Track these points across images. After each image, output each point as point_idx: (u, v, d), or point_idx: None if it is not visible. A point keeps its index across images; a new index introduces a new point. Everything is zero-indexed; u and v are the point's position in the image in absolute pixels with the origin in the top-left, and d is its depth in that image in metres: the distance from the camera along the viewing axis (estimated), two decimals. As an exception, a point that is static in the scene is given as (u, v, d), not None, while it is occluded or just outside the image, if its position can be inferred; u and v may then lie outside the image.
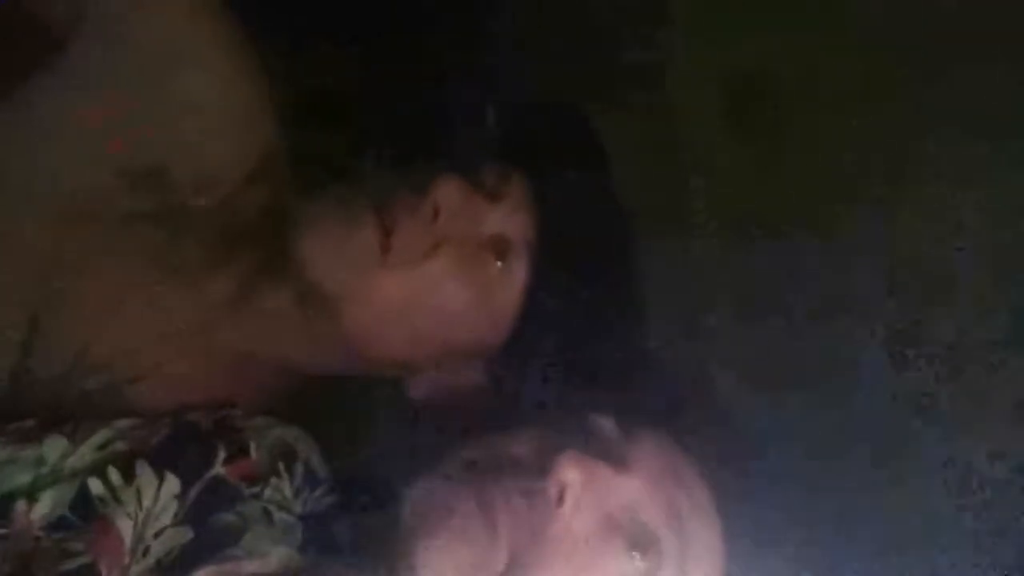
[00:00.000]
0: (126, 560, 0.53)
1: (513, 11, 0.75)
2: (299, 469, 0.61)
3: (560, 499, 0.49)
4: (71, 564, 0.52)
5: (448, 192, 0.64)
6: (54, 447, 0.58)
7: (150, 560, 0.54)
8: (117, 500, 0.55)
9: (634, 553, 0.49)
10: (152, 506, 0.55)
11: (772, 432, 0.62)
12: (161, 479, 0.56)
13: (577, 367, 0.65)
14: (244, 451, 0.60)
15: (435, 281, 0.64)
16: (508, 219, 0.66)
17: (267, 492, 0.59)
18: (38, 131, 0.66)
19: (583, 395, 0.61)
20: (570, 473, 0.49)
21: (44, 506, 0.55)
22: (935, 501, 0.66)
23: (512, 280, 0.66)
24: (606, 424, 0.54)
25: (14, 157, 0.66)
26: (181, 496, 0.56)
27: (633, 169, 0.71)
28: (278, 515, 0.58)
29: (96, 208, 0.65)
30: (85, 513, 0.55)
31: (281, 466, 0.60)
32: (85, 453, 0.58)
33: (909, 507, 0.66)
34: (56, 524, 0.54)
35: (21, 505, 0.55)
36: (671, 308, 0.69)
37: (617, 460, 0.51)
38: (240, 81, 0.67)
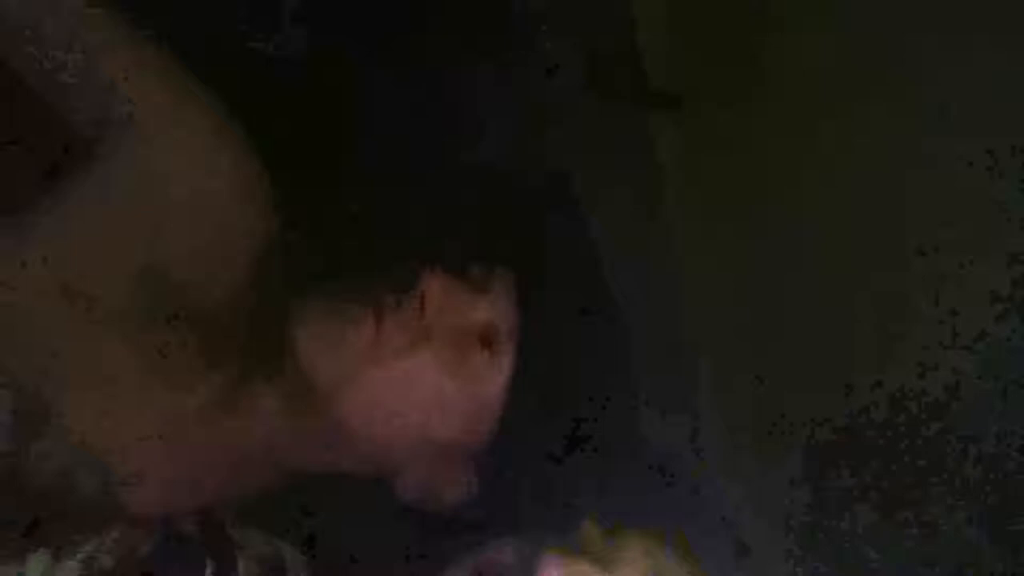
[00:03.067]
0: None
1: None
2: None
3: None
4: None
5: (434, 286, 0.66)
6: (36, 567, 0.57)
7: None
8: None
9: None
10: None
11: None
12: None
13: (563, 462, 0.65)
14: (232, 566, 0.59)
15: (421, 372, 0.65)
16: (493, 310, 0.67)
17: None
18: (47, 235, 0.66)
19: (567, 493, 0.60)
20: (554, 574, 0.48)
21: None
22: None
23: (497, 370, 0.66)
24: (588, 525, 0.54)
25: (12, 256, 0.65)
26: None
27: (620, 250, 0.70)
28: None
29: (95, 308, 0.65)
30: None
31: None
32: (70, 569, 0.57)
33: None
34: None
35: None
36: (658, 395, 0.69)
37: (601, 562, 0.51)
38: (242, 190, 0.68)
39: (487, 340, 0.66)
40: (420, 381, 0.64)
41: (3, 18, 0.65)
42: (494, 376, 0.66)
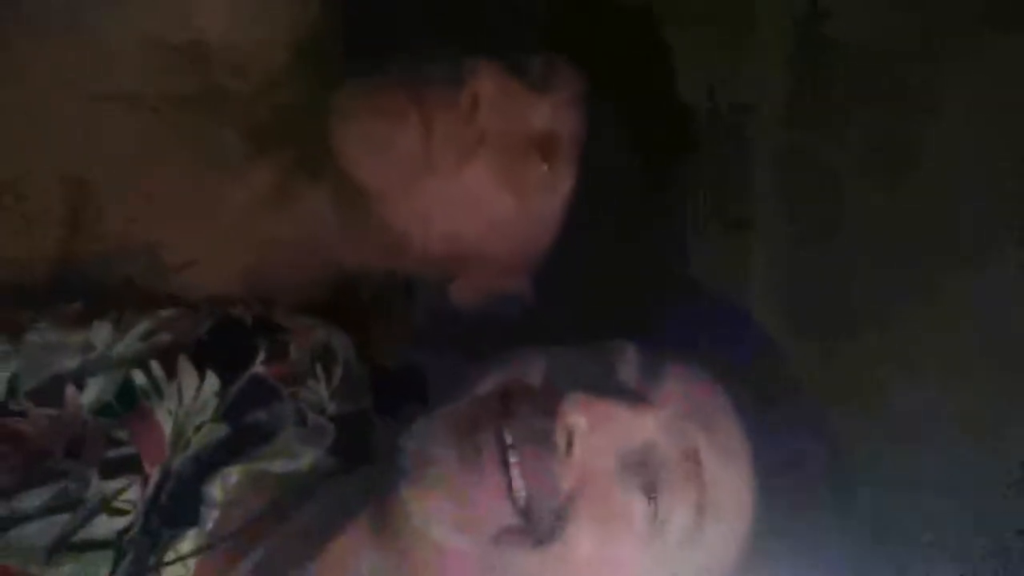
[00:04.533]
0: (167, 452, 0.55)
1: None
2: (338, 371, 0.62)
3: (569, 445, 0.46)
4: (116, 452, 0.54)
5: (488, 82, 0.61)
6: (100, 334, 0.59)
7: (189, 453, 0.56)
8: (159, 393, 0.57)
9: (649, 495, 0.47)
10: (192, 402, 0.57)
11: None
12: (202, 377, 0.58)
13: (617, 285, 0.63)
14: (284, 351, 0.61)
15: (476, 185, 0.62)
16: (556, 114, 0.62)
17: (304, 393, 0.60)
18: (74, 8, 0.65)
19: (619, 317, 0.59)
20: (576, 419, 0.46)
21: (92, 392, 0.57)
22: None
23: (557, 185, 0.62)
24: (632, 353, 0.51)
25: (51, 36, 0.65)
26: (221, 393, 0.58)
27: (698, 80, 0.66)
28: (312, 416, 0.59)
29: (136, 90, 0.64)
30: (129, 402, 0.56)
31: (319, 368, 0.61)
32: (130, 342, 0.60)
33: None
34: (102, 410, 0.56)
35: (71, 389, 0.56)
36: (721, 234, 0.66)
37: (635, 396, 0.48)
38: None
39: (546, 151, 0.61)
40: (473, 197, 0.62)
41: None
42: (553, 192, 0.62)
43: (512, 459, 0.46)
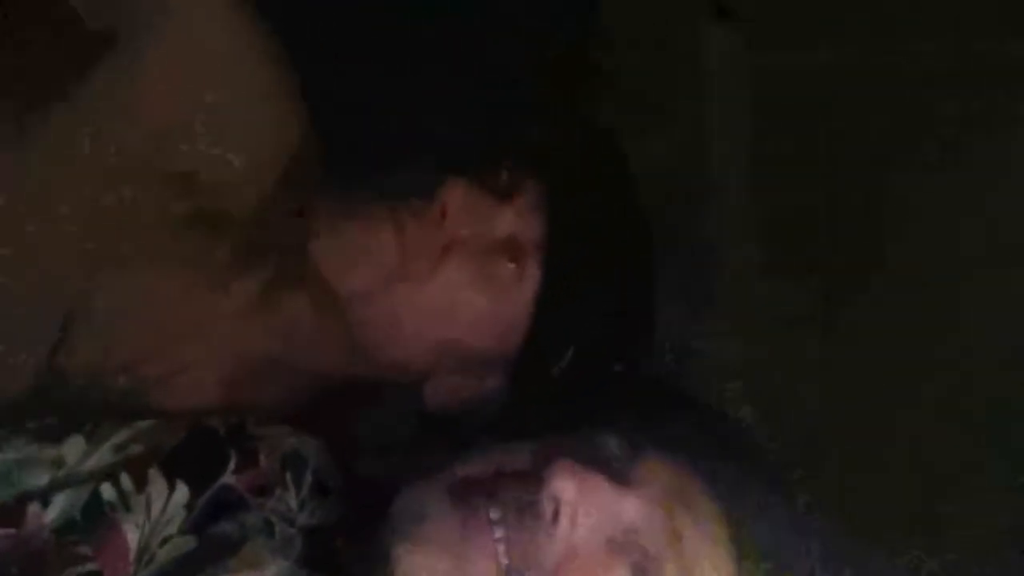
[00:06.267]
0: (131, 569, 0.54)
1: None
2: (307, 480, 0.61)
3: (555, 515, 0.46)
4: (79, 569, 0.53)
5: (456, 194, 0.65)
6: (73, 449, 0.59)
7: (153, 568, 0.54)
8: (127, 507, 0.56)
9: None
10: (160, 516, 0.56)
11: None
12: (172, 488, 0.57)
13: (587, 377, 0.64)
14: (254, 459, 0.60)
15: (448, 288, 0.65)
16: (519, 221, 0.66)
17: (272, 503, 0.59)
18: (77, 131, 0.68)
19: (592, 408, 0.59)
20: (564, 485, 0.46)
21: (56, 508, 0.56)
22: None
23: (524, 283, 0.66)
24: (611, 441, 0.51)
25: (53, 155, 0.67)
26: (189, 505, 0.57)
27: (655, 181, 0.69)
28: (280, 527, 0.58)
29: (130, 208, 0.67)
30: (95, 517, 0.55)
31: (288, 477, 0.61)
32: (103, 454, 0.59)
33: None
34: (66, 527, 0.55)
35: (35, 507, 0.56)
36: (683, 322, 0.67)
37: (619, 477, 0.48)
38: (271, 92, 0.68)
39: (512, 252, 0.65)
40: (446, 299, 0.65)
41: None
42: (521, 289, 0.66)
43: (497, 534, 0.46)
